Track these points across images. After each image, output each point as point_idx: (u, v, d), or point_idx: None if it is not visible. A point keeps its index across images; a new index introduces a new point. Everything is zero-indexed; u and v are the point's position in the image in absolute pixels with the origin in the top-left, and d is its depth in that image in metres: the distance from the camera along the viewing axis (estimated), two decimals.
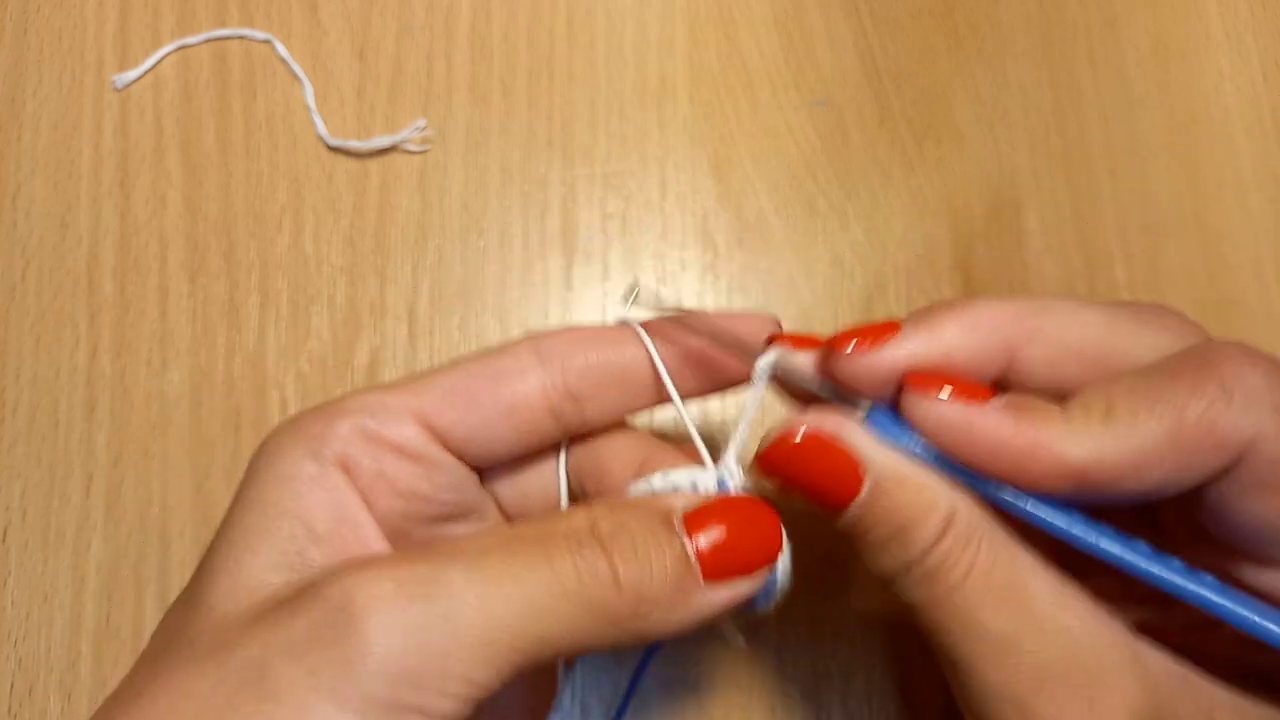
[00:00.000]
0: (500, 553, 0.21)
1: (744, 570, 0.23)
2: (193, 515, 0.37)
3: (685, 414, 0.26)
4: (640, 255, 0.41)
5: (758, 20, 0.44)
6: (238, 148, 0.41)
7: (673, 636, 0.23)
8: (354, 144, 0.41)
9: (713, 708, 0.36)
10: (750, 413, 0.26)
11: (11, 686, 0.36)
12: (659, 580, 0.22)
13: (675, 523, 0.23)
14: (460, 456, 0.25)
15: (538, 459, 0.27)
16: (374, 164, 0.41)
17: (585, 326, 0.26)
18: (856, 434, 0.23)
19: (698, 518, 0.23)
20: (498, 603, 0.21)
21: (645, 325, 0.26)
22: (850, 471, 0.23)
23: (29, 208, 0.40)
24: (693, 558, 0.23)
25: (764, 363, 0.25)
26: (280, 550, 0.23)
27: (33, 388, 0.38)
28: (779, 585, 0.25)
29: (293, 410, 0.38)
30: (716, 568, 0.23)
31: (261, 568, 0.22)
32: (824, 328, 0.40)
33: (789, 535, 0.25)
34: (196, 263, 0.40)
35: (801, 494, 0.24)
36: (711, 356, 0.26)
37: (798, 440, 0.23)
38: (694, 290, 0.41)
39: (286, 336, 0.39)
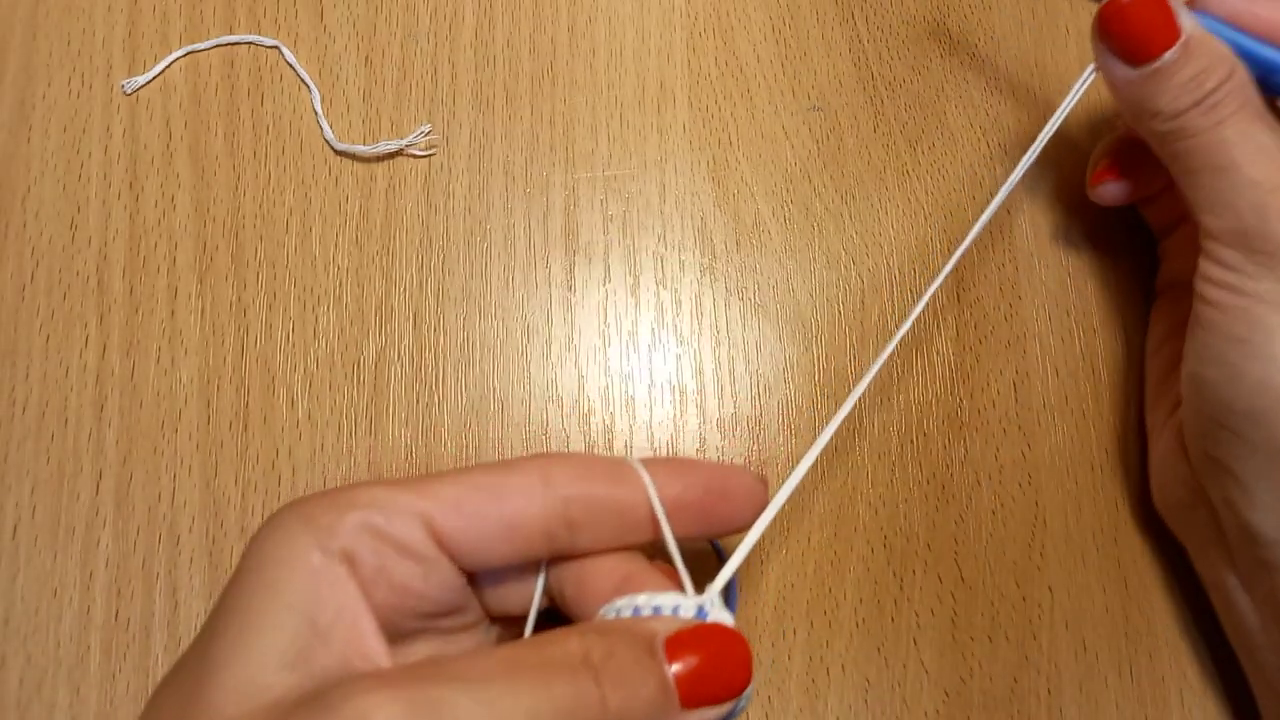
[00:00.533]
0: (503, 679, 0.22)
1: (717, 698, 0.25)
2: (201, 513, 0.38)
3: (673, 546, 0.27)
4: (640, 257, 0.42)
5: (755, 28, 0.44)
6: (246, 151, 0.42)
7: None
8: (360, 148, 0.42)
9: None
10: (742, 553, 0.27)
11: (20, 681, 0.36)
12: (642, 707, 0.23)
13: (658, 650, 0.24)
14: (456, 560, 0.26)
15: (523, 566, 0.28)
16: (380, 168, 0.42)
17: (593, 457, 0.27)
18: (1176, 3, 0.32)
19: (678, 645, 0.25)
20: None
21: (648, 464, 0.27)
22: (1170, 26, 0.31)
23: (38, 209, 0.41)
24: (672, 685, 0.24)
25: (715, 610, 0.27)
26: (285, 647, 0.23)
27: (42, 386, 0.39)
28: (741, 708, 0.26)
29: (300, 409, 0.39)
30: (693, 695, 0.24)
31: (267, 666, 0.23)
32: (821, 329, 0.41)
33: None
34: (205, 263, 0.40)
35: (1127, 41, 0.32)
36: (709, 504, 0.28)
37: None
38: (693, 292, 0.41)
39: (294, 336, 0.40)
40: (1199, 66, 0.31)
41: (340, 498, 0.25)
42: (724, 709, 0.25)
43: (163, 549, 0.37)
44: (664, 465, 0.27)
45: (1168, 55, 0.31)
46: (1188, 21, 0.32)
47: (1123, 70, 0.33)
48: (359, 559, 0.24)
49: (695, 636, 0.25)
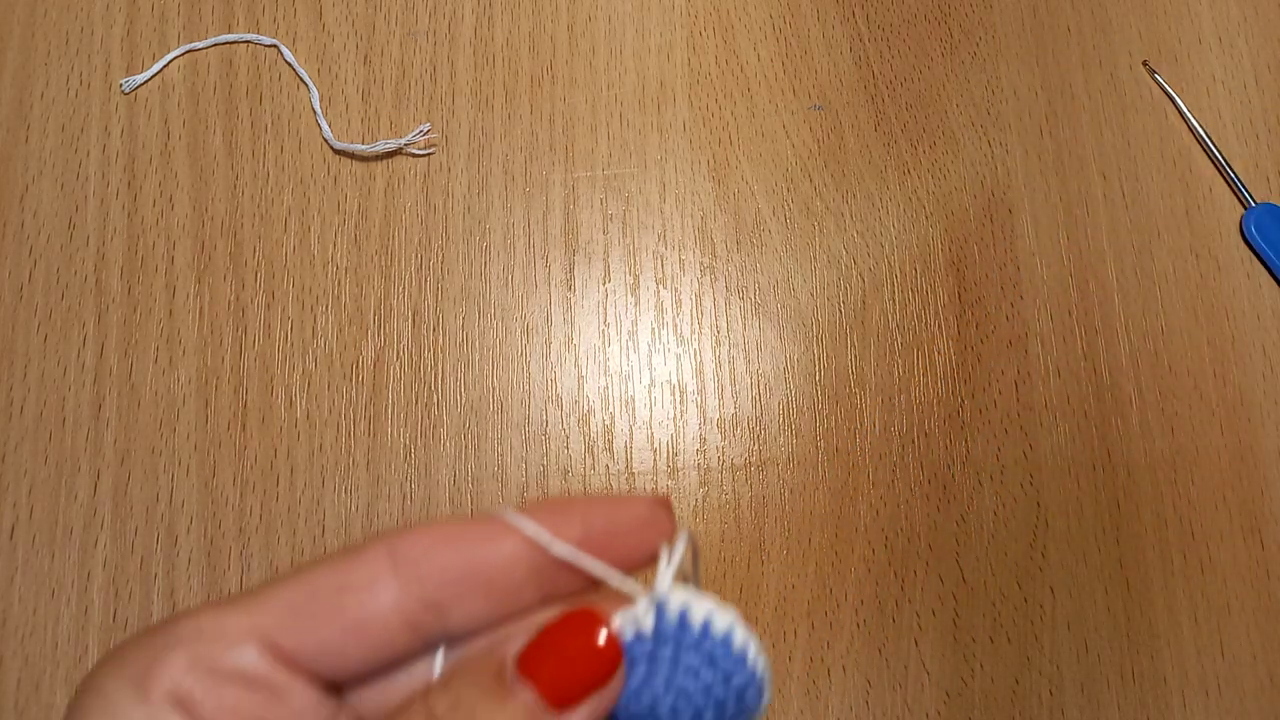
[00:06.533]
0: None
1: (587, 688, 0.23)
2: (199, 513, 0.38)
3: (600, 567, 0.24)
4: (640, 256, 0.41)
5: (755, 26, 0.44)
6: (244, 150, 0.42)
7: None
8: (359, 147, 0.41)
9: None
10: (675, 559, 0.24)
11: (18, 682, 0.36)
12: None
13: (509, 674, 0.22)
14: (312, 674, 0.23)
15: (406, 667, 0.24)
16: (379, 167, 0.42)
17: (446, 522, 0.24)
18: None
19: (529, 657, 0.22)
20: None
21: (526, 511, 0.24)
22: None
23: (36, 208, 0.41)
24: (533, 700, 0.22)
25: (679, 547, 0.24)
26: None
27: (40, 386, 0.39)
28: (761, 676, 0.25)
29: (299, 409, 0.39)
30: (561, 696, 0.22)
31: None
32: (822, 327, 0.41)
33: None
34: (203, 263, 0.40)
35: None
36: (611, 538, 0.24)
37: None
38: (693, 291, 0.41)
39: (293, 336, 0.40)
40: None
41: (159, 636, 0.22)
42: (610, 693, 0.23)
43: (161, 549, 0.37)
44: (544, 509, 0.24)
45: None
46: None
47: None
48: (192, 700, 0.21)
49: (546, 637, 0.23)
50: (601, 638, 0.23)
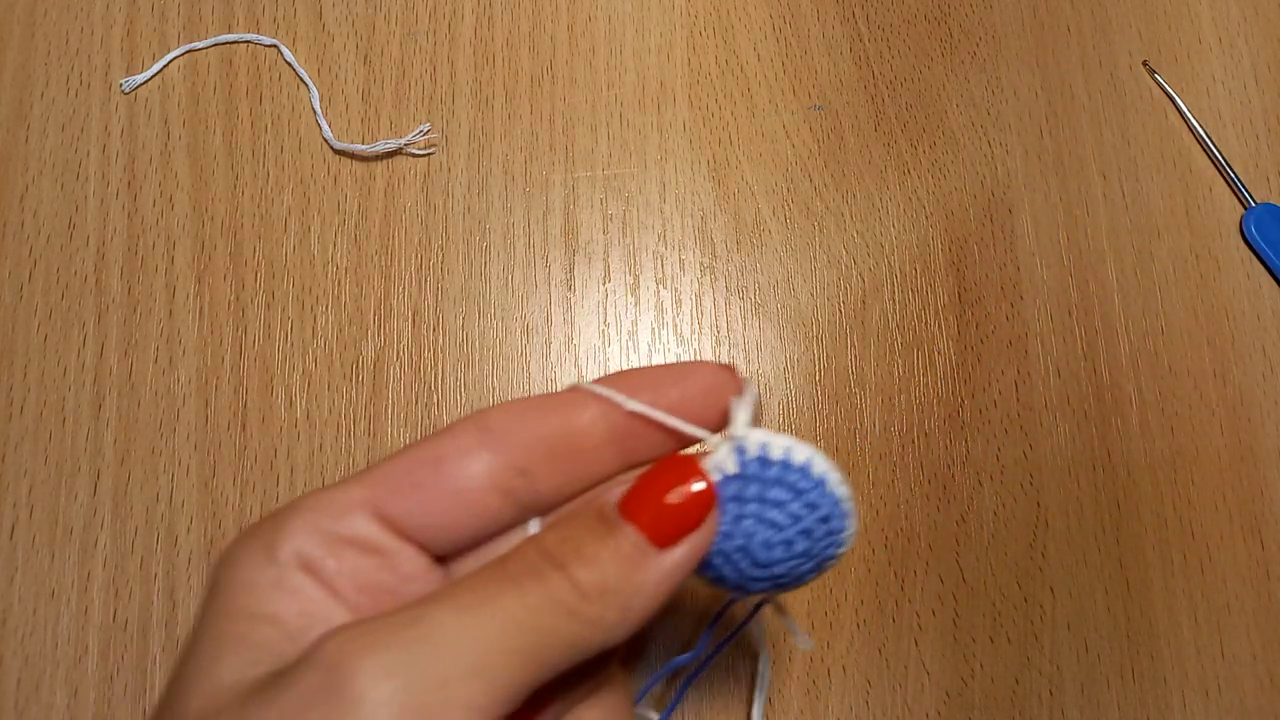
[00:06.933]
0: (470, 591, 0.22)
1: (686, 526, 0.24)
2: (199, 513, 0.38)
3: (666, 417, 0.25)
4: (640, 256, 0.41)
5: (755, 26, 0.44)
6: (244, 150, 0.42)
7: (664, 603, 0.24)
8: (359, 147, 0.41)
9: (712, 701, 0.37)
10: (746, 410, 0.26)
11: (18, 682, 0.36)
12: (616, 573, 0.23)
13: (611, 515, 0.24)
14: (419, 545, 0.25)
15: (505, 540, 0.26)
16: (379, 167, 0.42)
17: (531, 397, 0.26)
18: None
19: (630, 501, 0.24)
20: (481, 629, 0.21)
21: (602, 384, 0.26)
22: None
23: (36, 208, 0.41)
24: (637, 536, 0.23)
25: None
26: (256, 649, 0.22)
27: (40, 386, 0.39)
28: (846, 512, 0.25)
29: (299, 409, 0.39)
30: (664, 535, 0.24)
31: (239, 665, 0.22)
32: (822, 328, 0.41)
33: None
34: (203, 263, 0.40)
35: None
36: (681, 402, 0.26)
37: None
38: (693, 291, 0.41)
39: (293, 336, 0.40)
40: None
41: (282, 510, 0.24)
42: (707, 532, 0.24)
43: (161, 549, 0.37)
44: (618, 379, 0.26)
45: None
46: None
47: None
48: (317, 564, 0.23)
49: (645, 482, 0.24)
50: (695, 480, 0.24)
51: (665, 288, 0.41)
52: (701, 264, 0.42)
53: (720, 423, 0.26)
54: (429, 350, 0.40)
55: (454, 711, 0.20)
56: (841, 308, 0.41)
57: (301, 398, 0.39)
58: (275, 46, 0.43)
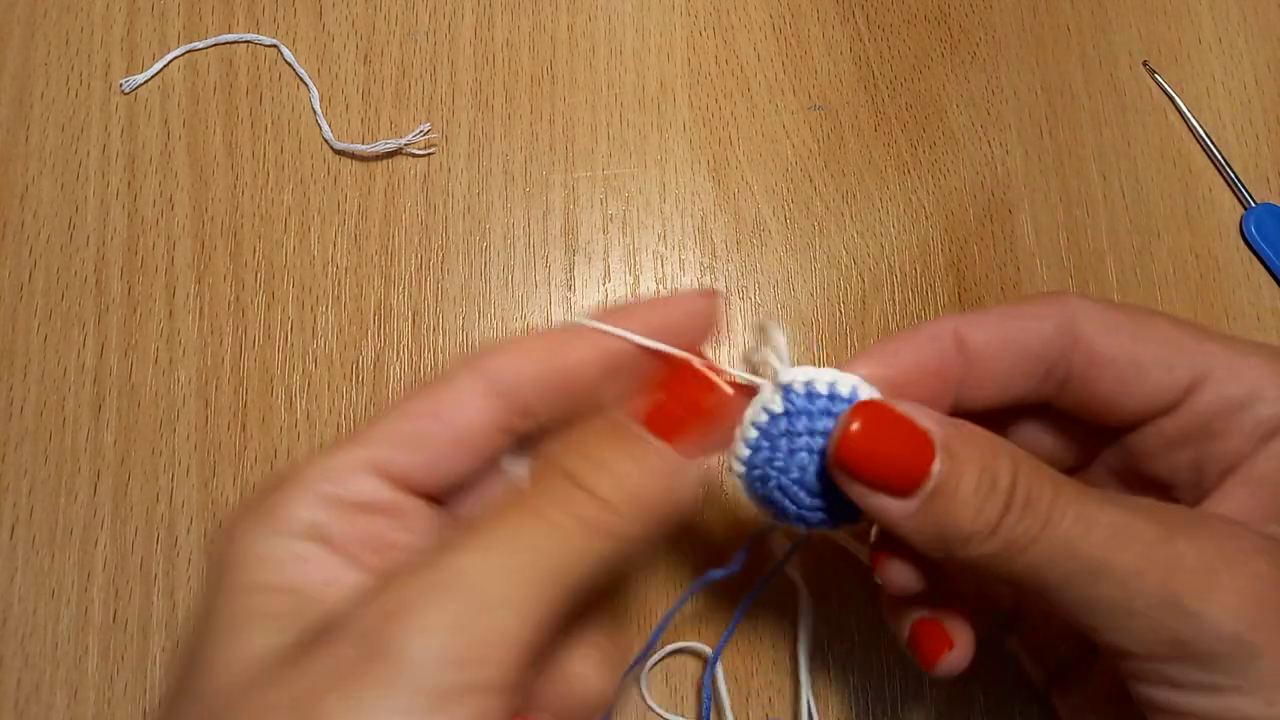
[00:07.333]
0: (491, 531, 0.22)
1: (694, 420, 0.25)
2: (200, 513, 0.38)
3: (659, 344, 0.26)
4: (641, 256, 0.41)
5: (755, 26, 0.44)
6: (244, 150, 0.42)
7: (686, 510, 0.24)
8: (359, 147, 0.41)
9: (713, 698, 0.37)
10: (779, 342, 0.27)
11: (18, 682, 0.36)
12: (640, 480, 0.23)
13: (629, 425, 0.24)
14: (426, 496, 0.25)
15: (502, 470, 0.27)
16: (379, 167, 0.42)
17: (526, 335, 0.26)
18: (914, 408, 0.25)
19: (651, 409, 0.25)
20: (510, 567, 0.21)
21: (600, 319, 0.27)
22: (918, 436, 0.24)
23: (36, 208, 0.41)
24: (648, 437, 0.24)
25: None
26: (280, 619, 0.22)
27: (40, 386, 0.39)
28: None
29: (299, 409, 0.39)
30: (682, 436, 0.24)
31: (267, 633, 0.22)
32: (822, 328, 0.41)
33: None
34: (204, 263, 0.40)
35: (880, 472, 0.25)
36: (667, 329, 0.27)
37: (857, 428, 0.25)
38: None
39: (293, 336, 0.40)
40: (980, 464, 0.24)
41: (284, 481, 0.24)
42: (720, 433, 0.26)
43: (161, 550, 0.37)
44: (607, 314, 0.26)
45: (936, 469, 0.24)
46: (931, 422, 0.25)
47: (897, 505, 0.25)
48: (328, 532, 0.23)
49: (660, 389, 0.25)
50: (704, 385, 0.26)
51: (665, 288, 0.41)
52: (701, 264, 0.42)
53: (702, 342, 0.27)
54: (429, 350, 0.40)
55: (492, 649, 0.21)
56: (841, 308, 0.41)
57: (301, 398, 0.39)
58: (275, 46, 0.43)
